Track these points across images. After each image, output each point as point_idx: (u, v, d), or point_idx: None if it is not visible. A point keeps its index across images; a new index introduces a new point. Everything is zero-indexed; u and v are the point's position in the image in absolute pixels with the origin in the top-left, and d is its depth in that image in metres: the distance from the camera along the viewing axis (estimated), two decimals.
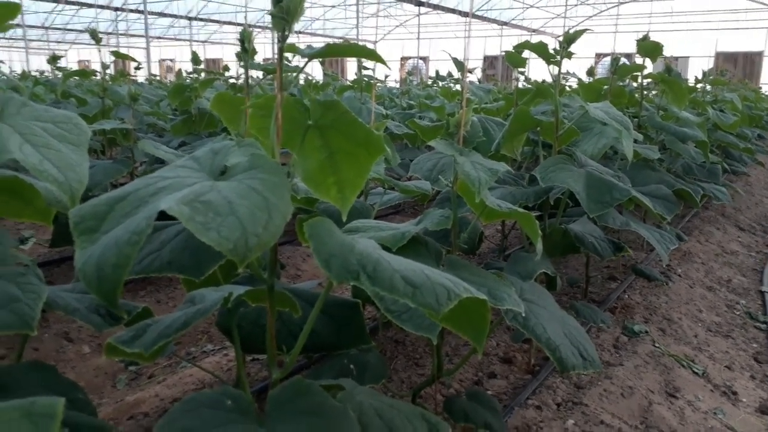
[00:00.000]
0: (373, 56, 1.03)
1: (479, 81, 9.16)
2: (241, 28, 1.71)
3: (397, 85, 13.49)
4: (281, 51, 0.96)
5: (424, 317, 1.22)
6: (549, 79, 2.33)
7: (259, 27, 23.38)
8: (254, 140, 1.40)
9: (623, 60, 3.16)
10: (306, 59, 1.02)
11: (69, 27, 30.19)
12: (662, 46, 3.08)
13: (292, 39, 1.00)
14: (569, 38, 2.20)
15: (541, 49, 2.25)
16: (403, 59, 32.64)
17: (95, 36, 3.11)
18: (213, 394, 0.97)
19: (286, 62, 3.61)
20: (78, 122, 1.18)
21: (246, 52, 1.74)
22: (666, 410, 2.15)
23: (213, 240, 0.72)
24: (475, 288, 1.30)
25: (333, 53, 0.99)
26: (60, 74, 4.99)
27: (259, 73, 4.06)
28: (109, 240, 0.80)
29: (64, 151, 1.09)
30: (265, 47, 28.03)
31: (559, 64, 2.22)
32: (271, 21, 0.94)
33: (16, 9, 1.30)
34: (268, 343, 1.05)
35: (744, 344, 2.92)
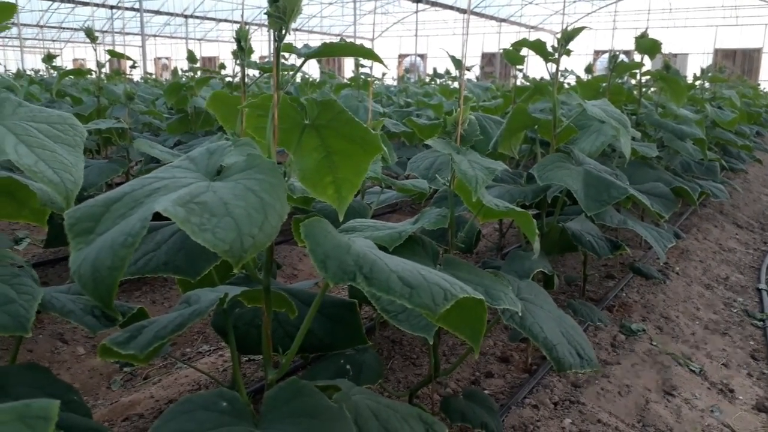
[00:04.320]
0: (371, 55, 1.02)
1: (477, 78, 9.15)
2: (238, 25, 1.70)
3: (395, 83, 13.48)
4: (278, 51, 0.96)
5: (421, 317, 1.22)
6: (547, 77, 2.32)
7: (256, 24, 23.34)
8: (250, 139, 1.39)
9: (622, 57, 3.16)
10: (303, 58, 1.02)
11: (64, 25, 30.10)
12: (660, 43, 3.08)
13: (288, 37, 0.99)
14: (567, 35, 2.20)
15: (538, 47, 2.24)
16: (401, 56, 32.61)
17: (91, 35, 3.09)
18: (208, 395, 0.96)
19: (282, 61, 3.60)
20: (73, 123, 1.17)
21: (242, 51, 1.73)
22: (663, 408, 2.15)
23: (208, 241, 0.72)
24: (472, 287, 1.30)
25: (330, 53, 0.99)
26: (55, 73, 4.97)
27: (256, 71, 4.05)
28: (104, 241, 0.79)
29: (59, 152, 1.09)
30: (261, 45, 27.99)
31: (556, 61, 2.22)
32: (268, 21, 0.93)
33: (12, 9, 1.29)
34: (264, 344, 1.04)
35: (741, 342, 2.92)
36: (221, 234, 0.72)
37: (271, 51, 1.08)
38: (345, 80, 7.56)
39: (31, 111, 1.15)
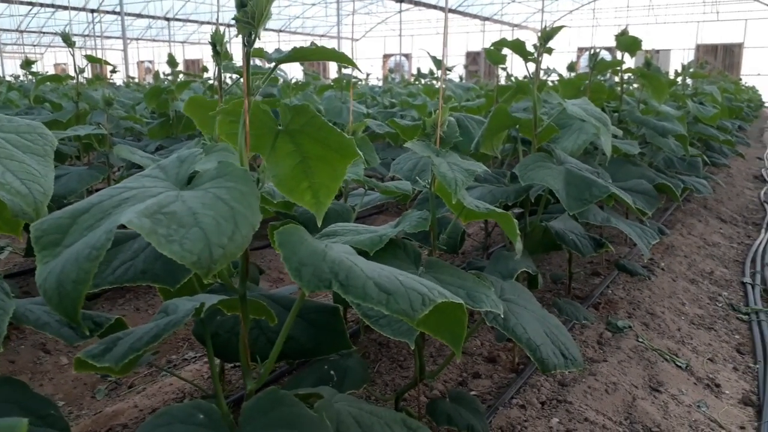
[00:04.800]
0: (343, 58, 1.01)
1: (461, 78, 9.16)
2: (221, 28, 1.68)
3: (380, 83, 13.47)
4: (247, 56, 0.94)
5: (402, 322, 1.21)
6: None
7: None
8: (228, 145, 1.37)
9: (605, 53, 3.17)
10: (273, 63, 1.00)
11: (45, 30, 29.82)
12: (641, 40, 3.09)
13: (272, 38, 0.98)
14: (547, 35, 2.19)
15: (518, 47, 2.24)
16: (386, 56, 32.62)
17: (68, 40, 3.06)
18: (185, 407, 0.95)
19: (259, 64, 3.57)
20: (43, 132, 1.15)
21: (218, 55, 1.72)
22: (650, 405, 2.15)
23: (175, 253, 0.70)
24: (453, 290, 1.29)
25: (301, 57, 0.97)
26: (34, 79, 4.92)
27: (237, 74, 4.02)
28: (70, 254, 0.78)
29: (28, 162, 1.06)
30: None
31: (536, 61, 2.22)
32: (236, 26, 0.92)
33: None
34: (241, 353, 1.03)
35: (727, 336, 2.94)
36: (189, 245, 0.70)
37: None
38: (329, 81, 7.54)
39: None
